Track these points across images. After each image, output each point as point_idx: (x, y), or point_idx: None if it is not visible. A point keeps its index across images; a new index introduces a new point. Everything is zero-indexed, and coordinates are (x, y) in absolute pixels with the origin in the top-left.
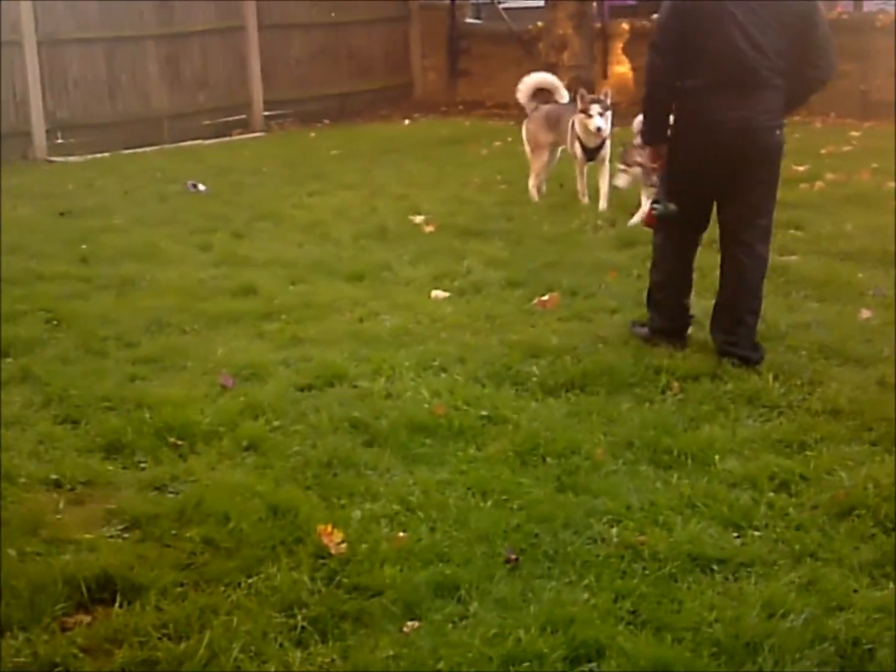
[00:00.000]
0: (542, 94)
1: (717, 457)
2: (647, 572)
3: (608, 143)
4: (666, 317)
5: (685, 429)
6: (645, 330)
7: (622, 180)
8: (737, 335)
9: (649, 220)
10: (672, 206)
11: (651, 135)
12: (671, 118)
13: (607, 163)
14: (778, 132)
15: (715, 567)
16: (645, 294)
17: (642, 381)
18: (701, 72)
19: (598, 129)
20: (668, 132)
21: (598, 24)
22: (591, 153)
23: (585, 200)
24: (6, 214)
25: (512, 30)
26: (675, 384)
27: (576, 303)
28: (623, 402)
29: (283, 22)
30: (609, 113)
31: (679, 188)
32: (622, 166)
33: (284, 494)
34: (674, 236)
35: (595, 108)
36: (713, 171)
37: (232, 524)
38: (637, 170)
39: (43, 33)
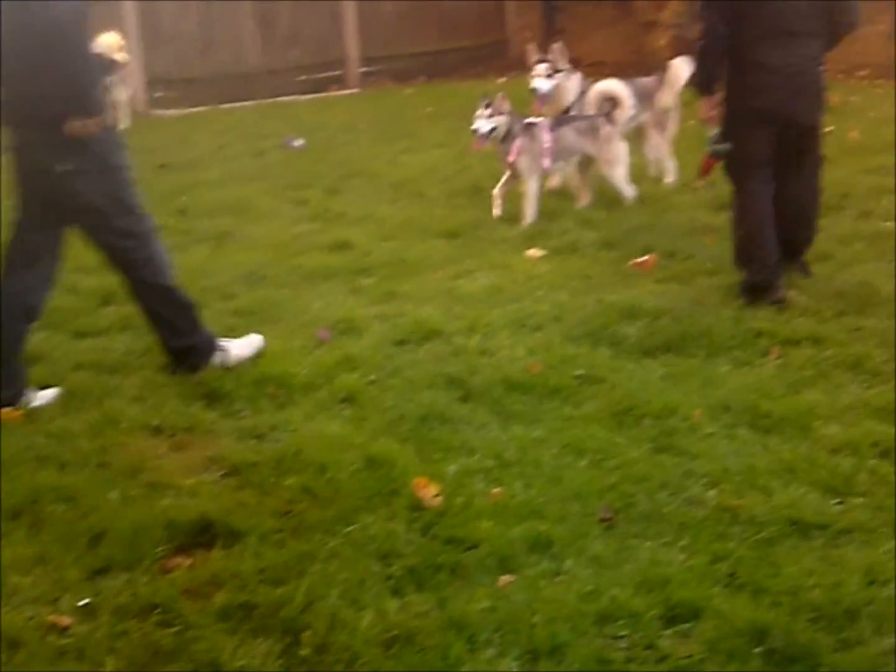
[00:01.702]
0: None
1: (817, 422)
2: (744, 535)
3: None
4: (755, 271)
5: (785, 394)
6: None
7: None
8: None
9: (706, 168)
10: (725, 145)
11: (707, 85)
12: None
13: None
14: (824, 73)
15: (814, 532)
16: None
17: (741, 344)
18: (753, 25)
19: (534, 91)
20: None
21: None
22: None
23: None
24: None
25: None
26: (775, 348)
27: (673, 265)
28: (721, 365)
29: None
30: (561, 76)
31: (741, 133)
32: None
33: (380, 447)
34: (747, 189)
35: (540, 69)
36: (777, 111)
37: (329, 474)
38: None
39: None
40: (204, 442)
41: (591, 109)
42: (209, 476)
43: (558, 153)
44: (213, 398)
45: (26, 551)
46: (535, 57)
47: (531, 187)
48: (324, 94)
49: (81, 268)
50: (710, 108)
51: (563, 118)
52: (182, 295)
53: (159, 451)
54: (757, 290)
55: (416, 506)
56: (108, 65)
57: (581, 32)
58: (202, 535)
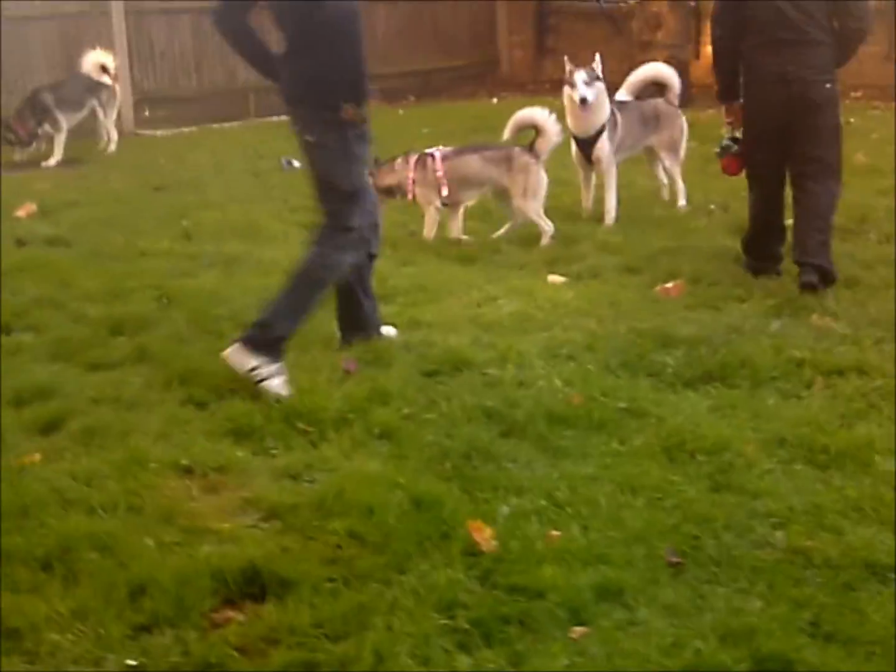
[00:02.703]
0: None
1: (876, 457)
2: (821, 580)
3: (605, 140)
4: (756, 259)
5: (839, 427)
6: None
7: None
8: (808, 253)
9: (729, 168)
10: (730, 143)
11: (724, 95)
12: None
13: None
14: (828, 85)
15: (893, 576)
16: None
17: (785, 374)
18: (753, 34)
19: (583, 101)
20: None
21: (692, 3)
22: (585, 146)
23: (587, 208)
24: (99, 187)
25: (602, 7)
26: (820, 378)
27: (700, 290)
28: (767, 396)
29: None
30: (601, 85)
31: (752, 138)
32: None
33: (426, 486)
34: (759, 191)
35: (580, 77)
36: (776, 121)
37: (376, 517)
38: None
39: (131, 3)
40: (237, 482)
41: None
42: (247, 519)
43: (460, 183)
44: (241, 435)
45: (63, 606)
46: (569, 66)
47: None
48: None
49: (88, 296)
50: (729, 115)
51: (468, 147)
52: (311, 300)
53: (192, 492)
54: (755, 272)
55: (471, 550)
56: (94, 85)
57: (574, 51)
58: (250, 586)
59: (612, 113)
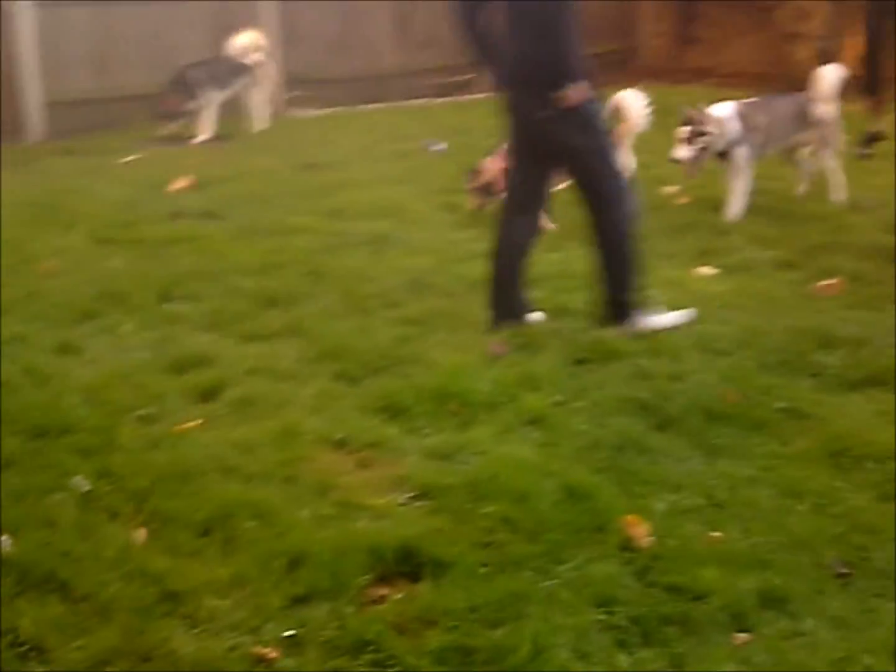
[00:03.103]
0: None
1: None
2: None
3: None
4: None
5: None
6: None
7: None
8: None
9: None
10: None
11: (870, 87)
12: None
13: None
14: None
15: None
16: None
17: None
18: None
19: (674, 160)
20: None
21: None
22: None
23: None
24: (249, 164)
25: None
26: None
27: (861, 290)
28: None
29: None
30: (706, 140)
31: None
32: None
33: (578, 476)
34: None
35: (681, 134)
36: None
37: (529, 504)
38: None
39: None
40: (389, 459)
41: None
42: (399, 497)
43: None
44: (393, 412)
45: (221, 572)
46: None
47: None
48: (457, 98)
49: (241, 269)
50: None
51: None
52: (634, 252)
53: (345, 466)
54: None
55: (627, 545)
56: (242, 66)
57: (718, 41)
58: (404, 564)
59: (743, 120)
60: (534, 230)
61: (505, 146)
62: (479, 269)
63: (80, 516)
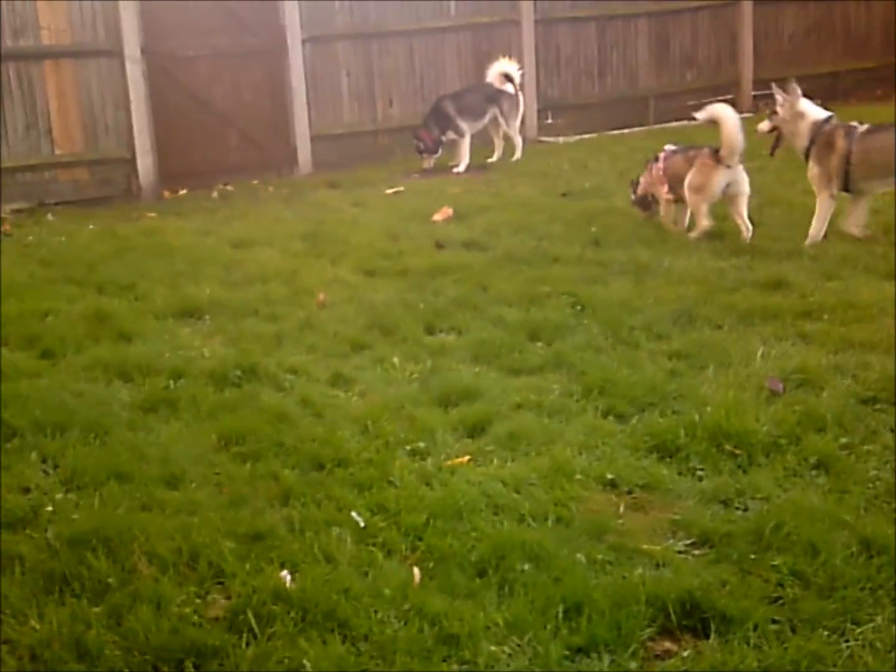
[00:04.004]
0: None
1: None
2: None
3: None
4: None
5: None
6: None
7: None
8: None
9: None
10: None
11: None
12: None
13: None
14: None
15: None
16: None
17: None
18: None
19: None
20: None
21: None
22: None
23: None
24: (507, 192)
25: None
26: None
27: None
28: None
29: None
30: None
31: None
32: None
33: (874, 527)
34: None
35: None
36: None
37: (821, 557)
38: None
39: (541, 11)
40: (664, 502)
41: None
42: (678, 543)
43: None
44: (664, 451)
45: (498, 617)
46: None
47: None
48: None
49: (505, 300)
50: None
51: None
52: None
53: (619, 509)
54: None
55: None
56: (495, 94)
57: None
58: (688, 618)
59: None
60: None
61: (655, 160)
62: (750, 299)
63: (357, 552)
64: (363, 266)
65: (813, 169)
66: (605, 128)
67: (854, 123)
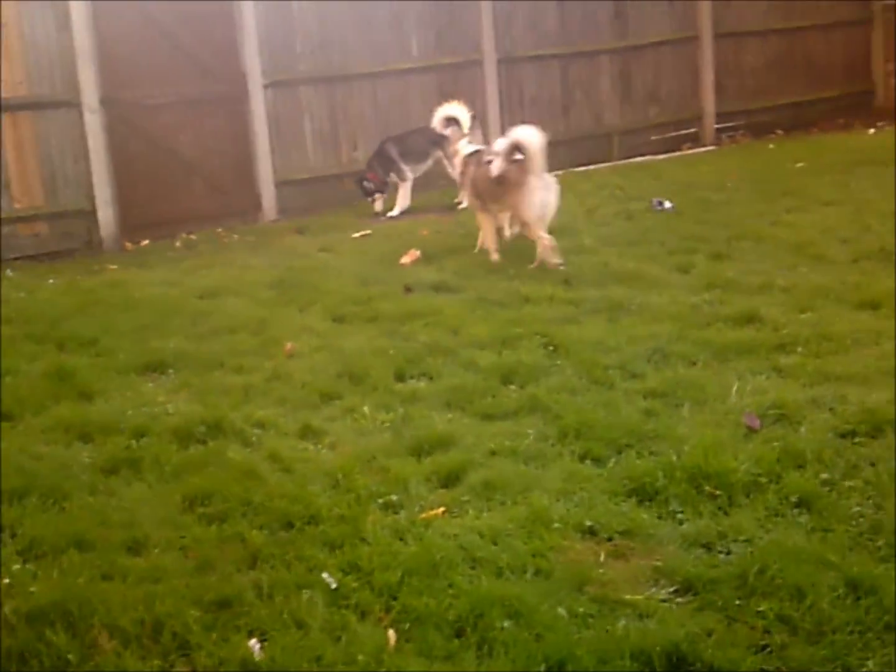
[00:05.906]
0: None
1: None
2: None
3: None
4: None
5: None
6: None
7: None
8: None
9: None
10: None
11: None
12: None
13: None
14: None
15: None
16: None
17: None
18: None
19: None
20: None
21: None
22: None
23: None
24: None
25: None
26: None
27: None
28: None
29: (739, 29)
30: None
31: None
32: None
33: (861, 567)
34: None
35: None
36: None
37: (808, 600)
38: None
39: (503, 51)
40: (645, 549)
41: None
42: (660, 592)
43: None
44: (643, 495)
45: None
46: None
47: None
48: (679, 153)
49: (477, 343)
50: None
51: None
52: None
53: (599, 557)
54: None
55: None
56: (438, 138)
57: None
58: (675, 670)
59: None
60: None
61: None
62: (723, 334)
63: (329, 616)
64: (332, 313)
65: None
66: (570, 164)
67: None
